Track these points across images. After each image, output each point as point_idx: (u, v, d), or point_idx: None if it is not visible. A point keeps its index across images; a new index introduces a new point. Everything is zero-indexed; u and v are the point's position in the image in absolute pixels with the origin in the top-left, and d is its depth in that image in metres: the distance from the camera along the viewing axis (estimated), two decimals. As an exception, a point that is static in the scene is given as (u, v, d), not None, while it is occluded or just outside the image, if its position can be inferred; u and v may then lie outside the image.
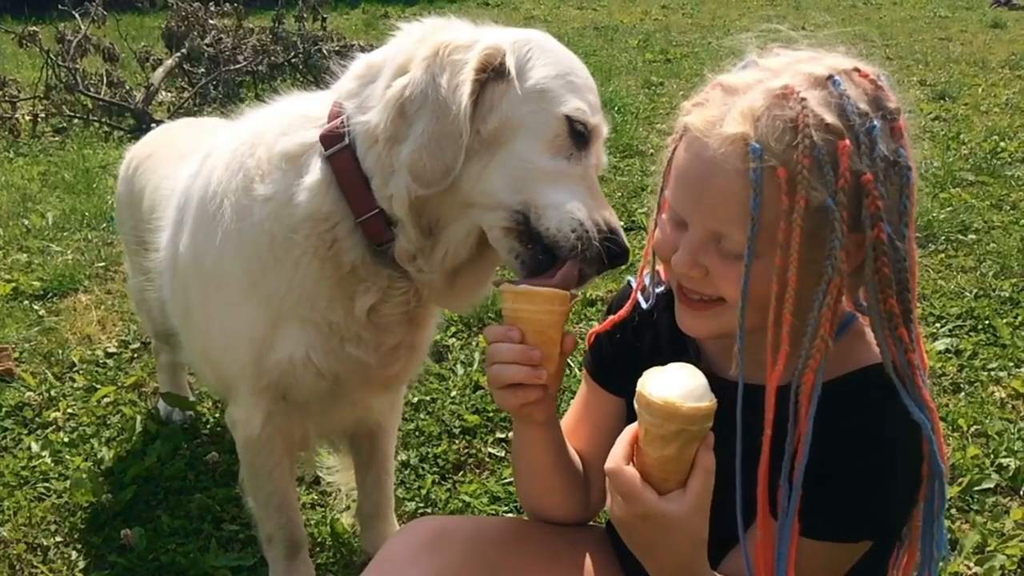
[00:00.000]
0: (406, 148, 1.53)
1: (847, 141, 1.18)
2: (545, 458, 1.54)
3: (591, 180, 1.58)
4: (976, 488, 2.52)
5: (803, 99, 1.19)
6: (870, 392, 1.28)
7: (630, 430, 1.22)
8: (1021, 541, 2.32)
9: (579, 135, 1.56)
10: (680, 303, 1.36)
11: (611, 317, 1.58)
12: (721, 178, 1.21)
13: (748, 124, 1.19)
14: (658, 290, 1.53)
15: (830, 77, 1.22)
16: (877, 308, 1.25)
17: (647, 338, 1.53)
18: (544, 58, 1.58)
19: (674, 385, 1.17)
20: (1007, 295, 3.67)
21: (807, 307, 1.21)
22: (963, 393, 3.00)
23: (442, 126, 1.50)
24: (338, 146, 1.61)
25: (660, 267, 1.49)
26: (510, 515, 2.45)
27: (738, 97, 1.23)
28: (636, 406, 1.19)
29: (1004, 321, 3.45)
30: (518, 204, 1.54)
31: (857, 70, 1.25)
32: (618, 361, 1.55)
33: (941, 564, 1.42)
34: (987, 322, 3.45)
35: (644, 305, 1.53)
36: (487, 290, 1.79)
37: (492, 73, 1.54)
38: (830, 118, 1.19)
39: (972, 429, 2.78)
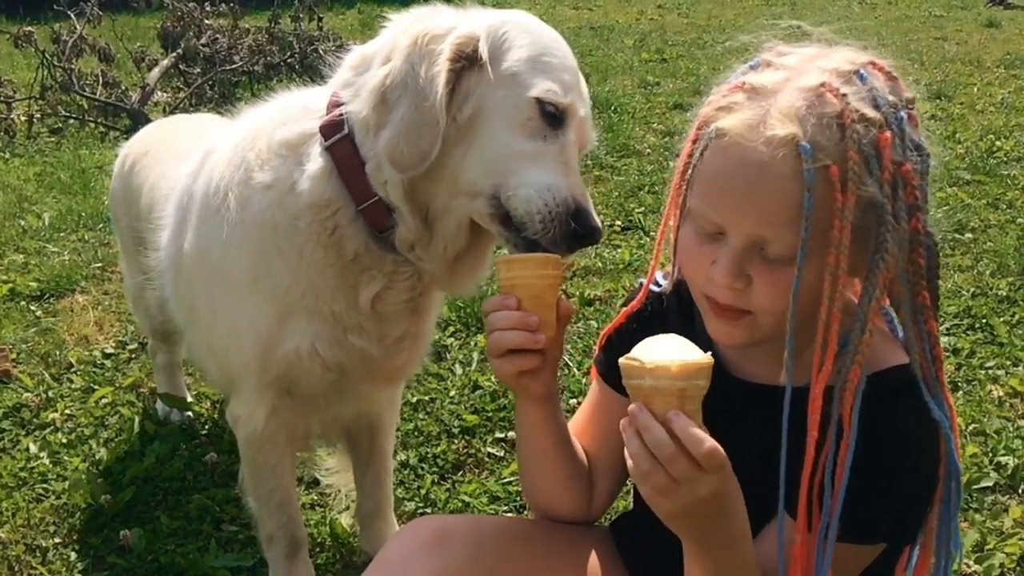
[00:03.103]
0: (385, 133, 1.57)
1: (888, 133, 1.19)
2: (546, 441, 1.54)
3: (566, 159, 1.58)
4: (975, 487, 2.52)
5: (843, 94, 1.19)
6: (890, 394, 1.27)
7: (648, 419, 1.15)
8: (1020, 539, 2.32)
9: (552, 116, 1.57)
10: (712, 313, 1.32)
11: (623, 310, 1.57)
12: (772, 181, 1.19)
13: (795, 124, 1.18)
14: (664, 283, 1.52)
15: (856, 71, 1.23)
16: (910, 301, 1.25)
17: None
18: (520, 40, 1.59)
19: (677, 348, 1.16)
20: (1004, 294, 3.68)
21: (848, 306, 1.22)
22: (961, 392, 3.00)
23: (420, 114, 1.54)
24: (338, 136, 1.64)
25: (669, 268, 1.49)
26: (511, 515, 2.45)
27: (771, 98, 1.22)
28: (649, 383, 1.14)
29: (1001, 320, 3.46)
30: (492, 188, 1.57)
31: (872, 63, 1.26)
32: None
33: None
34: (984, 321, 3.45)
35: (662, 283, 1.52)
36: (487, 269, 1.82)
37: (466, 61, 1.57)
38: (870, 112, 1.19)
39: (970, 428, 2.79)
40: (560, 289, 1.45)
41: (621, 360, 1.18)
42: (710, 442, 1.13)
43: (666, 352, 1.15)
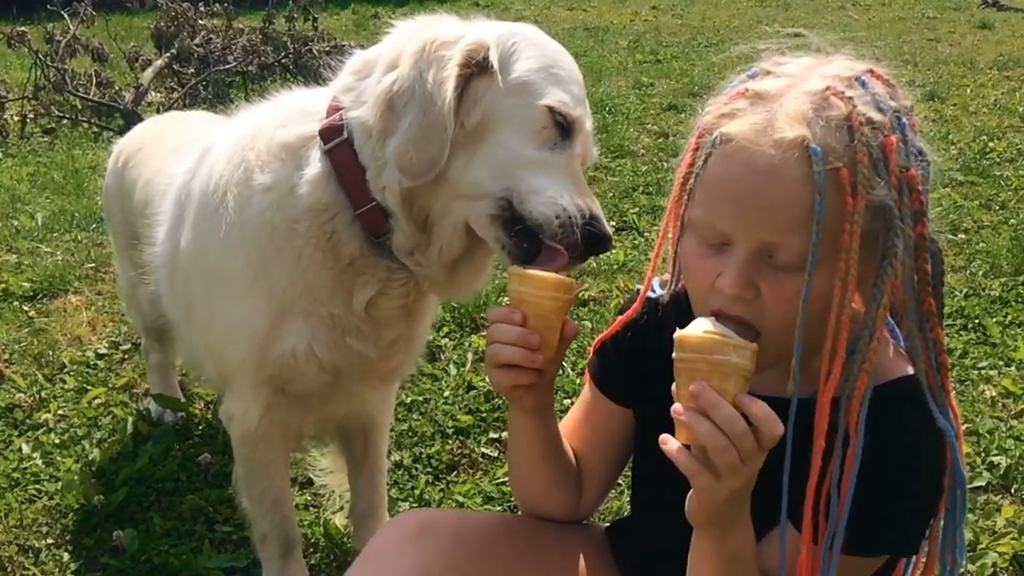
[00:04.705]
0: (393, 141, 1.58)
1: (894, 137, 1.19)
2: (536, 448, 1.54)
3: (574, 169, 1.61)
4: (968, 486, 2.52)
5: (849, 97, 1.19)
6: (894, 406, 1.26)
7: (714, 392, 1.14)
8: (1012, 539, 2.32)
9: (561, 127, 1.59)
10: None
11: (619, 318, 1.56)
12: (782, 185, 1.17)
13: (803, 127, 1.16)
14: (660, 292, 1.52)
15: (857, 77, 1.22)
16: (915, 308, 1.24)
17: (655, 353, 1.47)
18: (529, 51, 1.61)
19: (721, 328, 1.17)
20: (997, 294, 3.69)
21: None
22: (954, 392, 2.99)
23: (428, 120, 1.54)
24: (337, 140, 1.65)
25: (666, 275, 1.48)
26: (498, 510, 2.44)
27: (776, 102, 1.20)
28: (735, 361, 1.14)
29: (994, 320, 3.47)
30: (502, 191, 1.58)
31: (871, 71, 1.26)
32: (624, 373, 1.54)
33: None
34: (977, 321, 3.47)
35: (658, 291, 1.50)
36: (487, 276, 1.83)
37: (476, 68, 1.58)
38: (876, 115, 1.19)
39: (963, 428, 2.78)
40: (568, 314, 1.43)
41: (698, 333, 1.16)
42: (780, 422, 1.14)
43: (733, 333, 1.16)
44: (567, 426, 1.64)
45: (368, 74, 1.66)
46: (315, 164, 1.68)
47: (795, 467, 1.24)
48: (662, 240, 1.44)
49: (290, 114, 1.77)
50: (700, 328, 1.17)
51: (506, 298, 1.53)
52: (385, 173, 1.61)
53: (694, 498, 1.20)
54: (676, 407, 1.16)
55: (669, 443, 1.17)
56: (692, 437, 1.15)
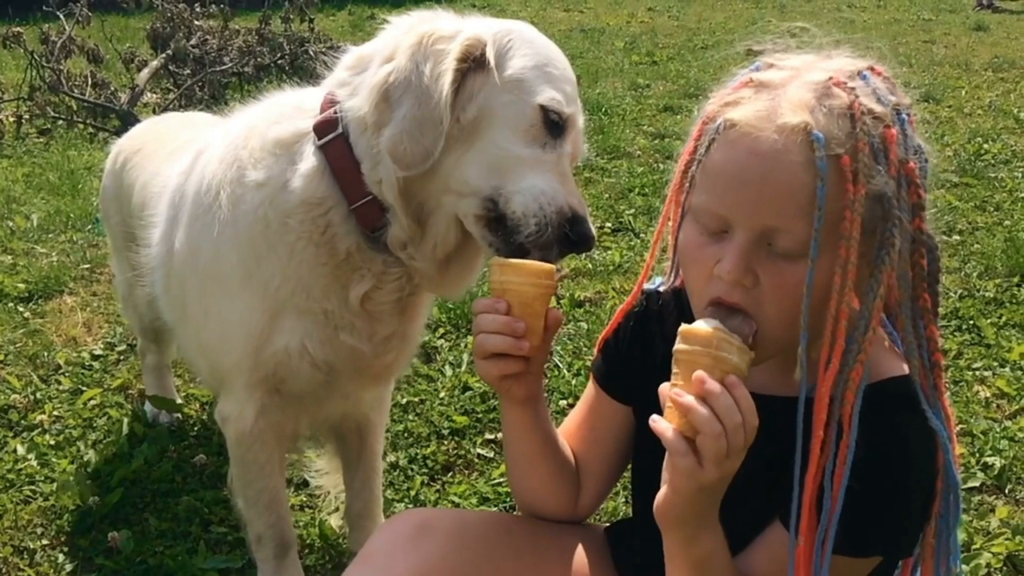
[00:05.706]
0: (388, 131, 1.59)
1: (894, 130, 1.20)
2: (529, 442, 1.55)
3: (563, 168, 1.62)
4: (962, 487, 2.53)
5: (852, 88, 1.20)
6: (887, 407, 1.26)
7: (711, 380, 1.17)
8: (1006, 539, 2.33)
9: (553, 124, 1.60)
10: None
11: (620, 308, 1.57)
12: (785, 170, 1.18)
13: (806, 113, 1.18)
14: (661, 281, 1.52)
15: (859, 72, 1.24)
16: (910, 304, 1.25)
17: (658, 342, 1.49)
18: (524, 49, 1.63)
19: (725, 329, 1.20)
20: (991, 295, 3.70)
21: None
22: (948, 393, 3.00)
23: (424, 112, 1.56)
24: (332, 134, 1.66)
25: (667, 264, 1.49)
26: (495, 509, 2.44)
27: (780, 90, 1.22)
28: (735, 360, 1.17)
29: (988, 321, 3.48)
30: (490, 190, 1.59)
31: (872, 68, 1.27)
32: (627, 367, 1.55)
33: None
34: (972, 322, 3.47)
35: (658, 282, 1.52)
36: (477, 274, 1.84)
37: (473, 63, 1.59)
38: (877, 107, 1.20)
39: (958, 428, 2.80)
40: (551, 299, 1.45)
41: (705, 328, 1.18)
42: (755, 413, 1.16)
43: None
44: (567, 428, 1.65)
45: (364, 69, 1.67)
46: (309, 159, 1.68)
47: (782, 464, 1.25)
48: (662, 225, 1.45)
49: (283, 111, 1.77)
50: (707, 325, 1.20)
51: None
52: (381, 166, 1.62)
53: (669, 486, 1.20)
54: (676, 390, 1.18)
55: (659, 423, 1.19)
56: (687, 423, 1.16)
